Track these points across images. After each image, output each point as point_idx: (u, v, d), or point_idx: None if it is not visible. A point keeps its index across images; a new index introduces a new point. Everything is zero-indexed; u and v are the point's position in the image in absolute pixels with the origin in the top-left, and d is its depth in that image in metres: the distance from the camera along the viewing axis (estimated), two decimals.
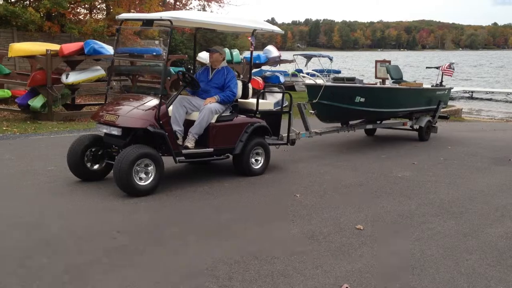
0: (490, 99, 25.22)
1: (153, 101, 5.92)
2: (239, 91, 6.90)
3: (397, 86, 10.13)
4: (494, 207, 5.61)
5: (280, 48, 23.36)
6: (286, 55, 28.29)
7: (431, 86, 11.06)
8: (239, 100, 6.91)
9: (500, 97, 25.70)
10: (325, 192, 6.08)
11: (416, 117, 10.28)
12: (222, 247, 4.22)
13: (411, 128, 10.45)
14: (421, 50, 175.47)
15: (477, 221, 5.11)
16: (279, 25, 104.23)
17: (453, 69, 11.09)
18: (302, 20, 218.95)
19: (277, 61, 17.22)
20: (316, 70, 33.87)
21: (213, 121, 6.33)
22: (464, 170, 7.58)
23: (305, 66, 26.39)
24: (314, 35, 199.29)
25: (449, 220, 5.13)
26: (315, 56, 30.55)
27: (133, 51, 17.89)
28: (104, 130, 5.93)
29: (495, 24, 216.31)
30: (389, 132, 11.18)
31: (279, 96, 10.43)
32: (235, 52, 16.81)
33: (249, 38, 7.07)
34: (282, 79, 16.13)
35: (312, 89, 8.10)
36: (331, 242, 4.43)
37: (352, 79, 9.11)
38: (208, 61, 6.98)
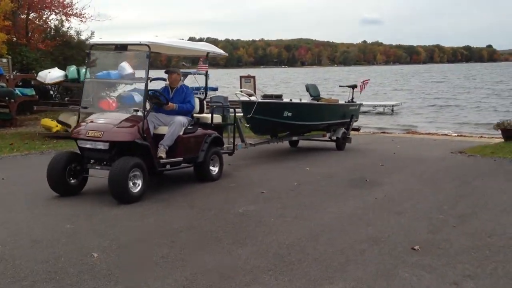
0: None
1: (132, 117, 6.47)
2: (197, 106, 7.69)
3: (317, 102, 11.16)
4: (339, 249, 4.60)
5: (165, 66, 21.88)
6: (160, 73, 26.69)
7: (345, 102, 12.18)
8: (195, 115, 7.62)
9: (367, 109, 26.61)
10: (133, 245, 4.66)
11: (333, 129, 11.27)
12: None
13: (329, 139, 11.31)
14: (300, 67, 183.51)
15: (314, 274, 4.02)
16: None
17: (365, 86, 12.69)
18: (185, 38, 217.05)
19: (132, 79, 15.52)
20: (192, 88, 32.77)
21: (181, 133, 6.93)
22: (316, 197, 6.64)
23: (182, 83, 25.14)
24: None
25: (281, 276, 3.98)
26: (191, 73, 29.36)
27: None
28: (88, 146, 6.33)
29: (364, 41, 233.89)
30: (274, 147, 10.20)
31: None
32: (83, 70, 14.88)
33: (201, 60, 7.99)
34: (137, 98, 14.51)
35: (247, 105, 8.93)
36: None
37: (279, 96, 10.17)
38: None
